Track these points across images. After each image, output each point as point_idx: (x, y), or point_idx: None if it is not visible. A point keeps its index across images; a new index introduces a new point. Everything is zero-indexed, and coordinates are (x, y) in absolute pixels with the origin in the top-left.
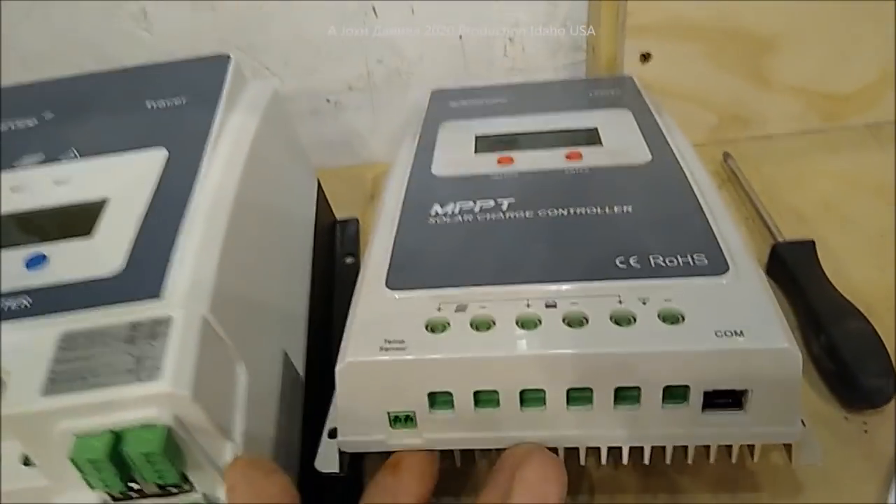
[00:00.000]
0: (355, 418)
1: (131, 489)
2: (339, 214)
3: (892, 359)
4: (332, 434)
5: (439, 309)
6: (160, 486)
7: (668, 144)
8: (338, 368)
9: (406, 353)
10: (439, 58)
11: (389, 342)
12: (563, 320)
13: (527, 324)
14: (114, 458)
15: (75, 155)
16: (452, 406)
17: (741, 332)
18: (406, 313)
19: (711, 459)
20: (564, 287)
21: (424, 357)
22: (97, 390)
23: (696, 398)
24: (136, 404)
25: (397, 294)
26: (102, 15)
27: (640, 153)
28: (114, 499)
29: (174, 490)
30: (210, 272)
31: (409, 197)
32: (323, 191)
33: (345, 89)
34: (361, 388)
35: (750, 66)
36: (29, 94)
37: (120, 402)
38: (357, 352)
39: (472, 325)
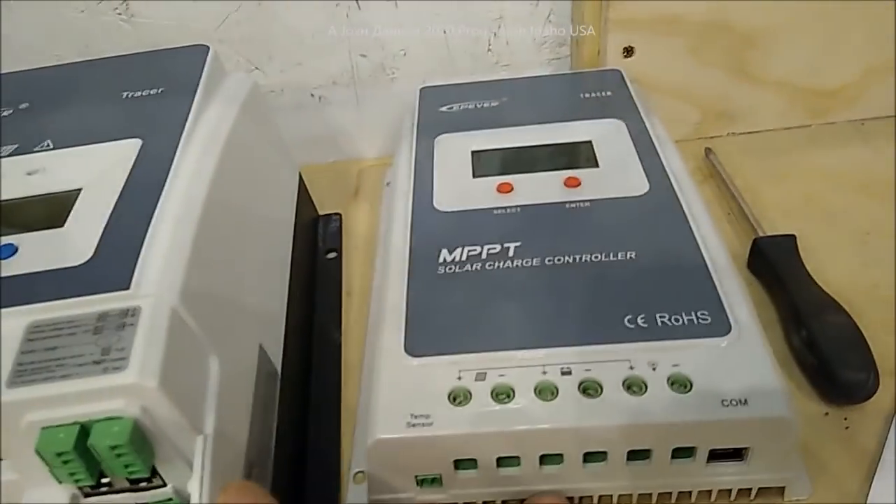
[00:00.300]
0: (384, 482)
1: (102, 483)
2: (323, 210)
3: (874, 354)
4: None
5: (459, 377)
6: (130, 481)
7: (664, 167)
8: (368, 444)
9: (432, 428)
10: (424, 52)
11: (415, 416)
12: (579, 388)
13: (544, 393)
14: (81, 450)
15: (50, 145)
16: (476, 467)
17: (745, 400)
18: (428, 383)
19: (713, 498)
20: (578, 351)
21: (450, 432)
22: (63, 382)
23: (701, 455)
24: (102, 396)
25: (417, 361)
26: (85, 6)
27: (637, 181)
28: (84, 494)
29: (144, 484)
30: (181, 263)
31: (416, 242)
32: (305, 185)
33: (329, 84)
34: (390, 458)
35: (734, 61)
36: (5, 84)
37: (86, 394)
38: (385, 428)
39: (492, 395)
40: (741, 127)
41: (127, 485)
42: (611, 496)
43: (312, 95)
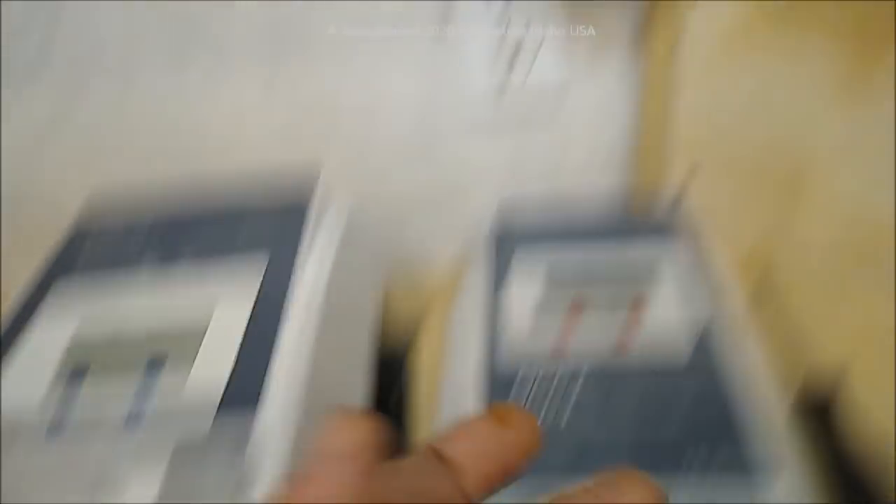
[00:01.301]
0: None
1: None
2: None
3: None
4: None
5: None
6: None
7: (719, 292)
8: None
9: None
10: (494, 172)
11: None
12: None
13: None
14: None
15: (182, 260)
16: None
17: None
18: None
19: None
20: None
21: None
22: None
23: None
24: None
25: None
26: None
27: (695, 304)
28: None
29: None
30: (301, 386)
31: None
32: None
33: (404, 195)
34: None
35: (788, 193)
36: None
37: None
38: None
39: None
40: (796, 255)
41: None
42: None
43: (387, 208)
